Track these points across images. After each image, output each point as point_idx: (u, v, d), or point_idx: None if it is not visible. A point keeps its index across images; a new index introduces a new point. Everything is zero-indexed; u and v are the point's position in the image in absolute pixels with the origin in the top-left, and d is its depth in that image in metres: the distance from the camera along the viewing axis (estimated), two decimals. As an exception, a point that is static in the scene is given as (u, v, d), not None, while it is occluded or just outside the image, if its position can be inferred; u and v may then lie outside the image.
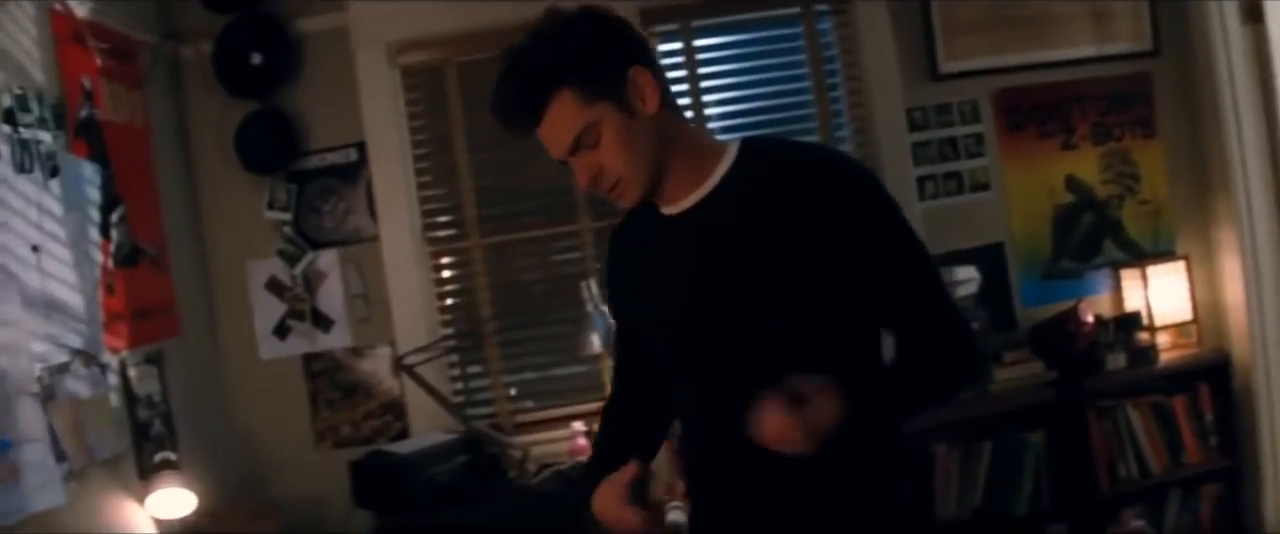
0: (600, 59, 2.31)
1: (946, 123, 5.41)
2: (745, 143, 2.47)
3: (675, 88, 3.40)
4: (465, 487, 4.71)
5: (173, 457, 4.55)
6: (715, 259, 2.37)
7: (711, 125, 5.33)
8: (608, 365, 5.15)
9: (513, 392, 5.36)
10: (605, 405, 2.89)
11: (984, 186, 5.44)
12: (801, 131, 5.36)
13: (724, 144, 2.46)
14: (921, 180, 5.36)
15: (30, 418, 3.69)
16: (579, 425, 5.02)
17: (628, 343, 2.78)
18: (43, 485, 3.70)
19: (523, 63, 2.31)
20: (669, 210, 2.47)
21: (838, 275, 2.32)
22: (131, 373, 4.42)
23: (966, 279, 5.07)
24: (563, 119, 2.31)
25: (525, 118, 2.32)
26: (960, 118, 5.41)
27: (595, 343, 4.88)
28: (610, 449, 2.76)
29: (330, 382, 5.32)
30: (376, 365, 5.30)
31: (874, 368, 2.44)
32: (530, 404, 5.35)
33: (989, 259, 5.34)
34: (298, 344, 5.31)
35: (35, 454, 3.69)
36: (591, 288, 4.94)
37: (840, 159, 2.44)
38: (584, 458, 4.90)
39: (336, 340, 5.30)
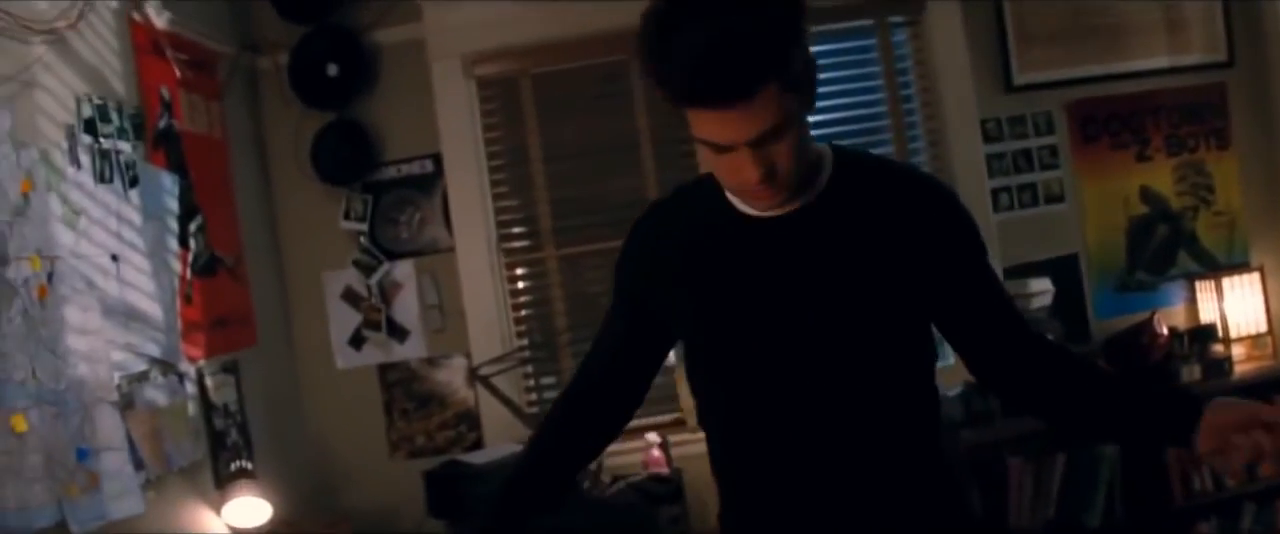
0: (803, 52, 2.06)
1: (1021, 134, 5.24)
2: (835, 150, 2.30)
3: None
4: (537, 497, 4.57)
5: (248, 466, 4.45)
6: (835, 271, 2.19)
7: (787, 138, 5.15)
8: (681, 379, 5.01)
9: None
10: (559, 397, 2.67)
11: (1058, 198, 5.27)
12: (875, 143, 5.21)
13: (820, 148, 2.29)
14: (996, 192, 5.20)
15: (109, 426, 3.59)
16: (653, 437, 4.87)
17: (628, 336, 2.53)
18: (121, 494, 3.59)
19: (739, 40, 1.95)
20: (757, 212, 2.26)
21: (930, 296, 2.23)
22: (208, 382, 4.32)
23: (1041, 291, 4.93)
24: (767, 108, 2.00)
25: (732, 95, 1.99)
26: (1034, 129, 5.25)
27: (671, 355, 4.72)
28: (539, 462, 2.64)
29: (405, 392, 5.20)
30: (451, 375, 5.18)
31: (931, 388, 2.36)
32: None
33: (1063, 271, 5.18)
34: (373, 354, 5.19)
35: (114, 463, 3.59)
36: (665, 299, 4.79)
37: (937, 181, 2.34)
38: (658, 470, 4.76)
39: (412, 350, 5.19)
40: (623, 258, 2.52)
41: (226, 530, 4.36)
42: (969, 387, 4.71)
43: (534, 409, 5.18)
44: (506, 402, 4.84)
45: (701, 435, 4.47)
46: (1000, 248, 5.06)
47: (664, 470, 4.78)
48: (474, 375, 4.89)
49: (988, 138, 5.21)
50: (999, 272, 4.84)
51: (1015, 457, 4.82)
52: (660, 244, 2.41)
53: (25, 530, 3.07)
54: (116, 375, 3.67)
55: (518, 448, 4.74)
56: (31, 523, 3.11)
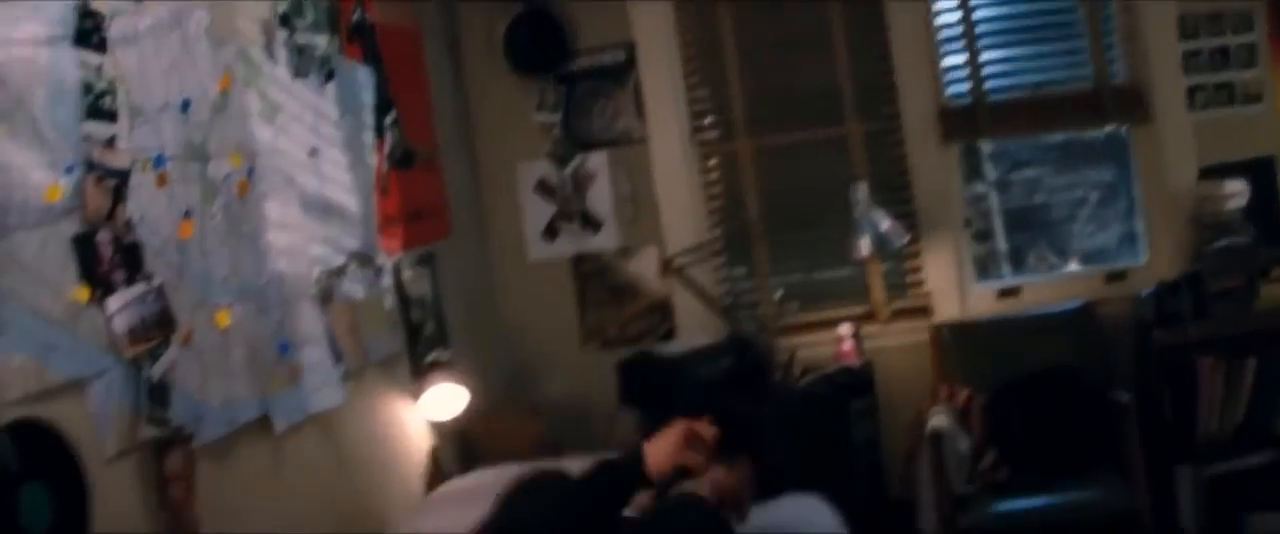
0: None
1: (1218, 32, 4.90)
2: None
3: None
4: (731, 388, 4.54)
5: (444, 357, 4.51)
6: None
7: (980, 29, 4.96)
8: (876, 270, 4.91)
9: (779, 294, 5.14)
10: None
11: (1256, 98, 4.93)
12: (1067, 38, 4.97)
13: None
14: (1192, 91, 4.89)
15: (309, 320, 3.66)
16: (844, 329, 4.78)
17: None
18: (322, 386, 3.67)
19: None
20: None
21: None
22: (405, 274, 4.37)
23: (1235, 193, 4.67)
24: None
25: None
26: (1232, 28, 4.90)
27: (863, 247, 4.63)
28: None
29: (598, 282, 5.21)
30: (644, 266, 5.16)
31: None
32: (796, 306, 5.13)
33: (1259, 173, 4.86)
34: (566, 245, 5.21)
35: (314, 356, 3.66)
36: (860, 191, 4.68)
37: None
38: (849, 362, 4.69)
39: (605, 241, 5.18)
40: None
41: (423, 420, 4.44)
42: (1161, 287, 4.51)
43: (726, 300, 5.14)
44: (700, 292, 4.82)
45: (892, 327, 4.48)
46: (1195, 149, 4.79)
47: (855, 362, 4.71)
48: (667, 266, 4.87)
49: (1184, 34, 4.89)
50: (1191, 173, 4.68)
51: (1206, 358, 4.60)
52: None
53: (231, 424, 3.15)
54: (315, 270, 3.73)
55: (710, 338, 4.72)
56: (237, 417, 3.19)
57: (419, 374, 4.40)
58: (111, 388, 2.66)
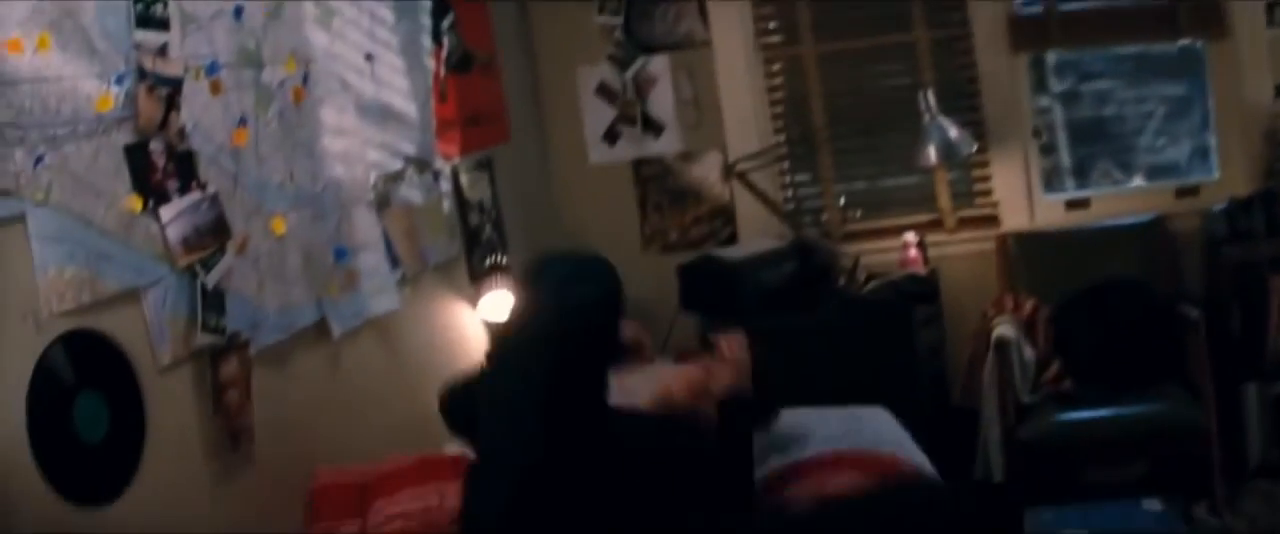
0: None
1: None
2: None
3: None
4: (794, 294, 4.52)
5: (503, 261, 4.48)
6: None
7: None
8: (942, 178, 4.82)
9: (842, 201, 5.08)
10: None
11: None
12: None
13: None
14: (1270, 6, 4.66)
15: (366, 226, 3.65)
16: (910, 236, 4.71)
17: None
18: (379, 292, 3.67)
19: None
20: None
21: None
22: (463, 179, 4.35)
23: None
24: None
25: None
26: None
27: (930, 155, 4.55)
28: None
29: (659, 186, 5.16)
30: (706, 171, 5.10)
31: None
32: (859, 214, 5.07)
33: None
34: (627, 149, 5.15)
35: (371, 261, 3.66)
36: (928, 98, 4.58)
37: None
38: (914, 269, 4.63)
39: (666, 146, 5.12)
40: None
41: (482, 325, 4.44)
42: (1233, 204, 4.40)
43: (790, 206, 5.08)
44: (762, 198, 4.76)
45: (958, 236, 4.40)
46: (1269, 63, 4.63)
47: (920, 270, 4.65)
48: (730, 171, 4.81)
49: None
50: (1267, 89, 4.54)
51: (1277, 276, 4.49)
52: None
53: (287, 330, 3.16)
54: (372, 175, 3.71)
55: (772, 244, 4.67)
56: (294, 323, 3.20)
57: (477, 279, 4.39)
58: (166, 297, 2.66)
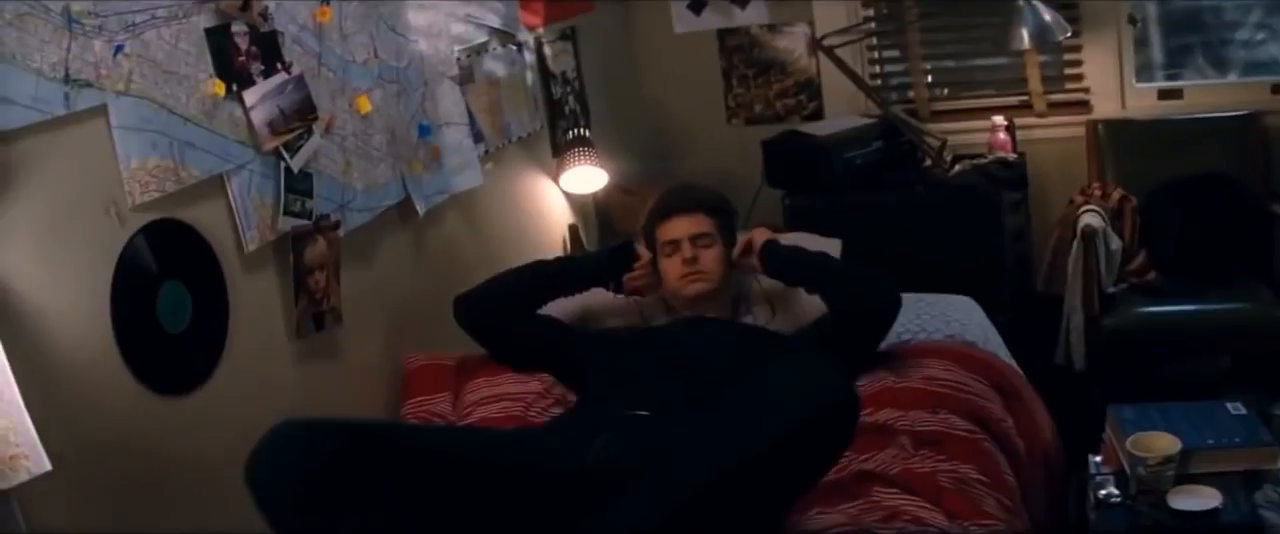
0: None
1: None
2: None
3: None
4: (879, 172, 4.41)
5: (586, 133, 4.39)
6: None
7: None
8: (1033, 61, 4.64)
9: (930, 79, 4.92)
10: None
11: None
12: None
13: None
14: None
15: (450, 101, 3.59)
16: (999, 119, 4.56)
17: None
18: (462, 168, 3.62)
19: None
20: None
21: None
22: (546, 50, 4.25)
23: None
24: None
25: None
26: None
27: (1022, 37, 4.36)
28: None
29: (744, 58, 5.02)
30: (793, 44, 4.95)
31: None
32: (946, 92, 4.91)
33: None
34: (713, 19, 4.99)
35: (455, 137, 3.60)
36: (1024, -24, 4.39)
37: None
38: (1002, 153, 4.48)
39: (753, 16, 4.95)
40: None
41: (564, 198, 4.39)
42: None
43: (877, 82, 4.92)
44: (850, 73, 4.61)
45: (1048, 120, 4.49)
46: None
47: (1009, 154, 4.51)
48: (817, 45, 4.66)
49: None
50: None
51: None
52: None
53: (372, 210, 3.12)
54: (455, 49, 3.63)
55: (859, 121, 4.55)
56: (380, 203, 3.16)
57: (560, 151, 4.32)
58: (251, 182, 2.63)
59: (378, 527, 1.99)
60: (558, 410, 2.94)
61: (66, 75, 2.11)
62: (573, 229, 4.43)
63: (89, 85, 2.16)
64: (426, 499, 2.09)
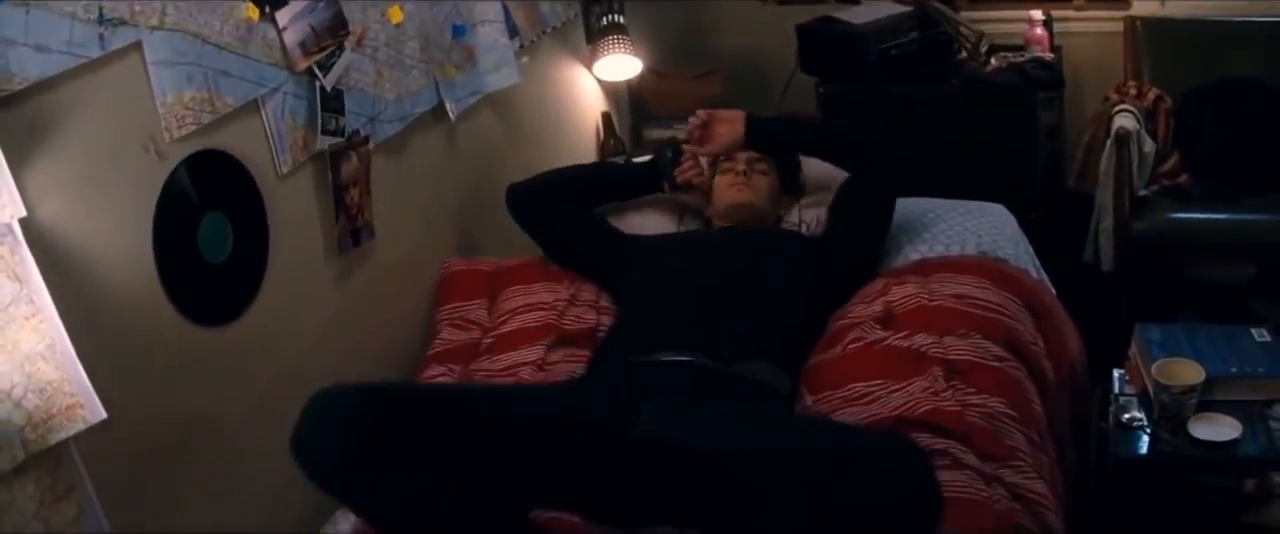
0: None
1: None
2: None
3: None
4: (915, 63, 4.30)
5: (620, 19, 4.29)
6: None
7: None
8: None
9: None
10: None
11: None
12: None
13: None
14: None
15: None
16: (1037, 14, 4.42)
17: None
18: (497, 67, 3.55)
19: None
20: None
21: None
22: (583, -65, 4.14)
23: None
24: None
25: None
26: None
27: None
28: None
29: (781, -63, 4.88)
30: (831, -76, 4.81)
31: None
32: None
33: None
34: (749, -103, 4.84)
35: (490, 35, 3.52)
36: None
37: None
38: (1039, 50, 4.37)
39: (790, -106, 4.80)
40: None
41: (598, 85, 4.32)
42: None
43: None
44: (888, -42, 4.49)
45: (1085, 13, 4.42)
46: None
47: (1046, 51, 4.39)
48: (855, -73, 4.53)
49: None
50: None
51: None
52: None
53: (405, 120, 3.07)
54: (490, -60, 3.53)
55: (895, 9, 4.43)
56: (412, 111, 3.10)
57: (594, 38, 4.24)
58: (285, 104, 2.57)
59: (427, 488, 2.00)
60: (591, 316, 2.92)
61: (100, 15, 2.05)
62: (605, 116, 4.37)
63: (123, 23, 2.10)
64: (470, 464, 2.09)
